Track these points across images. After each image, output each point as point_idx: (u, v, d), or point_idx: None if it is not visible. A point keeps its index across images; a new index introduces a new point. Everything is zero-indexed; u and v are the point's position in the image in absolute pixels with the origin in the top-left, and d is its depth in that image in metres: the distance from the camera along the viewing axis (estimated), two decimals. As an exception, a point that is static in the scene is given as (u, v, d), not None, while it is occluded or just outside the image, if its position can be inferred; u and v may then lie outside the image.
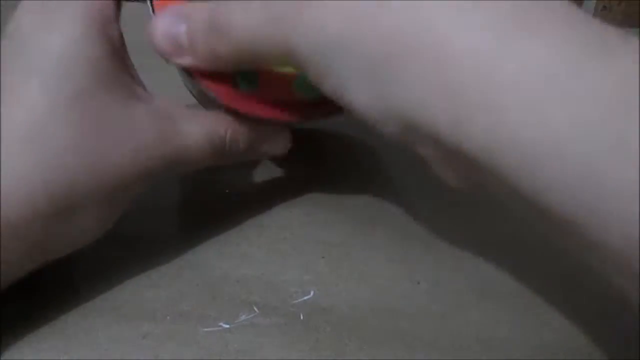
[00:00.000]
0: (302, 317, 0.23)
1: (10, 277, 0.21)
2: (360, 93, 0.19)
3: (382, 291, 0.25)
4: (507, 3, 0.17)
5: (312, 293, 0.25)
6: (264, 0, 0.20)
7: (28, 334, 0.22)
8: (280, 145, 0.27)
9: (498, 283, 0.25)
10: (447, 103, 0.17)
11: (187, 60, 0.23)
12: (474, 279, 0.25)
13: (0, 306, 0.22)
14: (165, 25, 0.23)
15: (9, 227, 0.19)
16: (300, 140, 0.25)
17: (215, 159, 0.25)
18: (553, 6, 0.17)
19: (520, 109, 0.16)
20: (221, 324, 0.23)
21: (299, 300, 0.24)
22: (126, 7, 0.25)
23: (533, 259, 0.26)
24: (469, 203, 0.30)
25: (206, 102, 0.27)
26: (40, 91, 0.20)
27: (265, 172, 0.32)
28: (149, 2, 0.24)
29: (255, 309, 0.24)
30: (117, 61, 0.22)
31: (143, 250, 0.26)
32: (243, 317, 0.23)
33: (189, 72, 0.24)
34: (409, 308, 0.24)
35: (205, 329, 0.23)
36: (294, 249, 0.27)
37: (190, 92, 0.28)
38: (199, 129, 0.24)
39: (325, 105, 0.23)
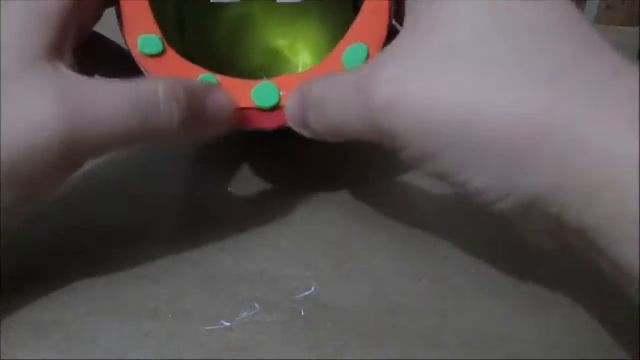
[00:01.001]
0: (303, 314, 0.23)
1: None
2: (480, 175, 0.19)
3: (383, 288, 0.25)
4: (621, 90, 0.18)
5: (313, 289, 0.25)
6: (357, 88, 0.21)
7: (29, 333, 0.22)
8: (224, 112, 0.24)
9: (499, 281, 0.25)
10: (577, 185, 0.17)
11: (305, 134, 0.24)
12: (475, 276, 0.25)
13: (0, 306, 0.23)
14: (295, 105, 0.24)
15: None
16: (302, 138, 0.25)
17: (150, 128, 0.22)
18: None
19: None
20: (222, 321, 0.23)
21: (300, 296, 0.24)
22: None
23: (534, 257, 0.26)
24: (470, 201, 0.30)
25: None
26: None
27: (266, 171, 0.32)
28: (140, 65, 0.25)
29: (257, 305, 0.24)
30: (48, 37, 0.22)
31: (144, 248, 0.26)
32: (244, 314, 0.23)
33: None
34: (410, 305, 0.24)
35: (207, 327, 0.23)
36: (295, 245, 0.27)
37: None
38: (118, 95, 0.22)
39: (277, 116, 0.25)
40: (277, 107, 0.25)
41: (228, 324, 0.23)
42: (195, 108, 0.23)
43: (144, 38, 0.24)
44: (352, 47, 0.24)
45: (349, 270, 0.26)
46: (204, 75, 0.25)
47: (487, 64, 0.19)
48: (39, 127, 0.20)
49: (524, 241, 0.27)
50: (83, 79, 0.22)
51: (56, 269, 0.25)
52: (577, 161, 0.17)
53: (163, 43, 0.25)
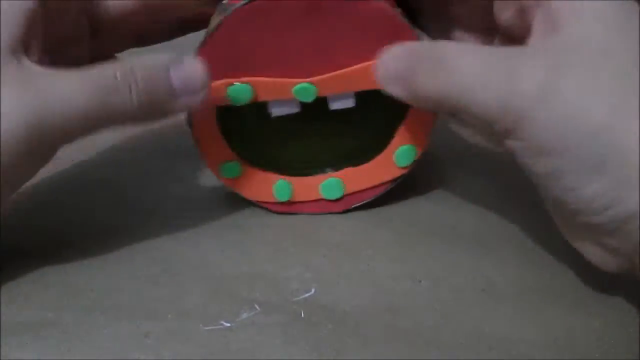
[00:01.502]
0: (303, 315, 0.23)
1: None
2: (594, 183, 0.20)
3: (384, 289, 0.25)
4: None
5: (313, 290, 0.25)
6: (499, 56, 0.21)
7: (28, 333, 0.22)
8: (192, 85, 0.24)
9: (499, 282, 0.25)
10: None
11: (396, 91, 0.24)
12: (475, 277, 0.25)
13: (0, 306, 0.23)
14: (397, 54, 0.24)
15: None
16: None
17: (110, 110, 0.23)
18: None
19: None
20: (222, 322, 0.23)
21: (300, 297, 0.24)
22: None
23: (534, 257, 0.26)
24: (471, 202, 0.30)
25: None
26: None
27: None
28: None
29: (257, 306, 0.24)
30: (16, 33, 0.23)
31: (143, 248, 0.26)
32: (244, 315, 0.23)
33: (190, 123, 0.27)
34: (410, 306, 0.24)
35: (207, 328, 0.23)
36: (296, 246, 0.27)
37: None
38: (78, 81, 0.23)
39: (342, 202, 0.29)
40: (341, 198, 0.29)
41: (228, 325, 0.23)
42: (155, 86, 0.24)
43: (225, 166, 0.28)
44: (402, 148, 0.28)
45: (349, 271, 0.26)
46: (280, 181, 0.28)
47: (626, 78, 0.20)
48: (5, 118, 0.21)
49: (525, 240, 0.27)
50: (45, 70, 0.23)
51: (56, 269, 0.25)
52: None
53: (240, 165, 0.28)
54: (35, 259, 0.25)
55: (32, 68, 0.23)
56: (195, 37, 0.27)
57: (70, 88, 0.22)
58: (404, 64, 0.23)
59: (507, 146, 0.22)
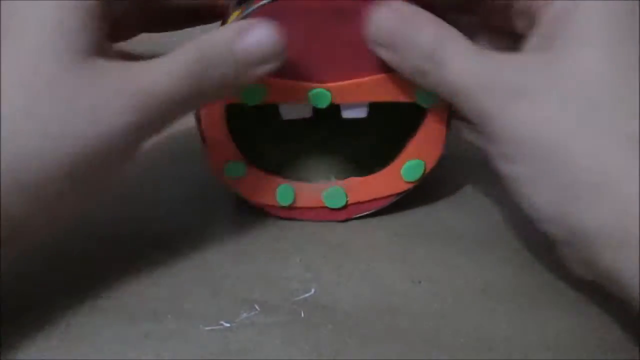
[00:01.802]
0: (303, 315, 0.23)
1: None
2: (544, 194, 0.21)
3: (383, 290, 0.25)
4: None
5: (313, 291, 0.25)
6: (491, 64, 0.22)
7: (29, 333, 0.22)
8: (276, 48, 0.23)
9: (498, 282, 0.25)
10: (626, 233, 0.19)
11: (386, 55, 0.24)
12: (475, 278, 0.25)
13: (0, 306, 0.22)
14: (391, 20, 0.23)
15: None
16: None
17: (207, 87, 0.23)
18: None
19: None
20: (222, 322, 0.23)
21: (300, 297, 0.24)
22: None
23: (533, 258, 0.26)
24: (470, 202, 0.30)
25: None
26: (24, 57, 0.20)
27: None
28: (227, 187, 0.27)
29: (256, 307, 0.24)
30: (94, 33, 0.22)
31: (144, 248, 0.26)
32: (244, 315, 0.23)
33: (198, 118, 0.26)
34: (409, 307, 0.24)
35: (207, 328, 0.23)
36: (295, 247, 0.27)
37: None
38: (167, 69, 0.22)
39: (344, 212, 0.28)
40: (344, 207, 0.28)
41: (228, 325, 0.23)
42: (228, 60, 0.23)
43: (230, 165, 0.27)
44: (410, 163, 0.27)
45: (349, 272, 0.26)
46: (283, 185, 0.28)
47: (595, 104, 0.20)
48: (104, 123, 0.21)
49: (524, 241, 0.27)
50: (133, 65, 0.22)
51: (56, 269, 0.25)
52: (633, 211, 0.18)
53: (245, 165, 0.27)
54: (35, 259, 0.25)
55: (118, 66, 0.22)
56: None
57: (165, 79, 0.22)
58: (393, 28, 0.23)
59: (483, 147, 0.23)
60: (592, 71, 0.20)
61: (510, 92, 0.21)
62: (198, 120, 0.27)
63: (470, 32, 0.24)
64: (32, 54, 0.21)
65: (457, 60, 0.22)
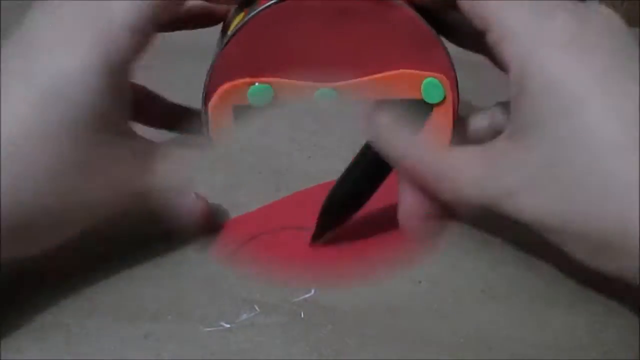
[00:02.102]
0: (302, 316, 0.23)
1: None
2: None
3: (383, 290, 0.25)
4: None
5: (313, 291, 0.25)
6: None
7: (29, 333, 0.22)
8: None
9: (499, 283, 0.25)
10: None
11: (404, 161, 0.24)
12: (475, 278, 0.25)
13: (0, 306, 0.23)
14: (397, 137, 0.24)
15: None
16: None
17: None
18: None
19: None
20: (222, 323, 0.23)
21: (300, 298, 0.24)
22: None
23: (534, 258, 0.26)
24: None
25: None
26: (34, 108, 0.21)
27: (267, 172, 0.32)
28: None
29: (256, 307, 0.24)
30: (116, 97, 0.23)
31: (144, 249, 0.26)
32: (244, 316, 0.23)
33: (205, 120, 0.26)
34: (409, 307, 0.24)
35: (207, 329, 0.23)
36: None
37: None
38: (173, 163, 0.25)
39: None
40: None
41: (228, 326, 0.23)
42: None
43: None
44: None
45: (349, 271, 0.26)
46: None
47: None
48: (126, 193, 0.24)
49: (524, 241, 0.27)
50: (151, 143, 0.25)
51: (56, 270, 0.25)
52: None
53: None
54: (35, 261, 0.25)
55: (141, 141, 0.25)
56: (203, 36, 0.27)
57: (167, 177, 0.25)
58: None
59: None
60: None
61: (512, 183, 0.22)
62: (205, 122, 0.27)
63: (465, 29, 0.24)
64: None
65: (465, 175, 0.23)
